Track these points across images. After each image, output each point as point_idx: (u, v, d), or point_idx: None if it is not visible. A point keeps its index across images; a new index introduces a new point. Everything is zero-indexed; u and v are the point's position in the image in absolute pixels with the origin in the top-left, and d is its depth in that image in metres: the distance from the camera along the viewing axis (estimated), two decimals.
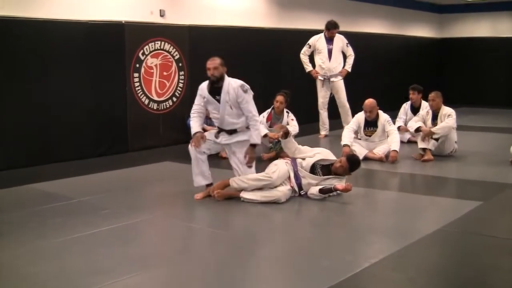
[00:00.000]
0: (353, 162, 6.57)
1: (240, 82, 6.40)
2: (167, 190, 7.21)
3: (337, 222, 5.77)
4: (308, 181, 6.38)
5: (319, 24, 12.15)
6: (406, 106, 10.32)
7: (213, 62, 6.33)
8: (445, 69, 18.27)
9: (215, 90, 6.40)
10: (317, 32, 11.21)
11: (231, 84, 6.37)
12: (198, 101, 6.57)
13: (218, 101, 6.38)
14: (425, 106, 10.03)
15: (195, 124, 6.50)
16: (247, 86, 6.41)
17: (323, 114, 11.13)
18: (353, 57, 11.04)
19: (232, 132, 6.51)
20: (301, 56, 11.07)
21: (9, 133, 8.13)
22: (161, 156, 9.06)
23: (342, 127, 10.85)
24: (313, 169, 6.45)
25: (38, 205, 6.23)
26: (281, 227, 5.54)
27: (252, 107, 6.42)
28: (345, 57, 11.11)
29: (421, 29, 17.84)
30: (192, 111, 6.57)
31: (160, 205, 6.59)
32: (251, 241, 5.18)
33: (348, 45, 11.04)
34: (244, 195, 6.22)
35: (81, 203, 6.36)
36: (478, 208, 6.03)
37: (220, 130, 6.55)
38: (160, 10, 10.00)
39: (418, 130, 8.78)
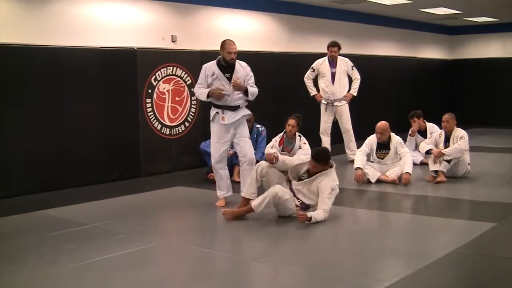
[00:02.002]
0: (317, 155, 6.59)
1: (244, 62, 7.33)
2: (180, 215, 7.23)
3: (350, 244, 5.74)
4: (299, 189, 6.50)
5: None
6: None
7: (235, 47, 7.13)
8: (457, 90, 18.25)
9: (225, 68, 7.12)
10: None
11: (240, 63, 7.21)
12: (202, 80, 7.24)
13: (228, 78, 7.08)
14: (430, 126, 10.05)
15: (204, 90, 7.18)
16: None
17: (325, 140, 10.74)
18: (359, 81, 10.69)
19: (236, 108, 7.19)
20: (305, 80, 10.81)
21: (22, 158, 8.19)
22: (174, 181, 9.08)
23: (343, 153, 10.84)
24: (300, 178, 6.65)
25: (51, 231, 6.25)
26: (293, 251, 5.52)
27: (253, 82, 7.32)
28: (351, 80, 10.81)
29: (432, 51, 17.87)
30: (197, 87, 7.32)
31: (173, 229, 6.60)
32: (264, 266, 5.16)
33: (354, 68, 10.71)
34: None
35: (94, 228, 6.38)
36: (492, 230, 5.98)
37: (225, 108, 7.16)
38: (171, 36, 10.10)
39: (428, 152, 8.74)
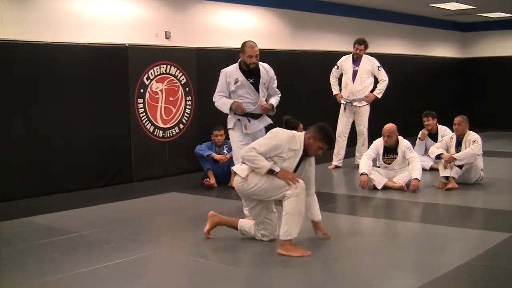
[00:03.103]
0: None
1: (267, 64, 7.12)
2: (174, 223, 7.24)
3: (355, 256, 5.75)
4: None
5: (336, 45, 12.28)
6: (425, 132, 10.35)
7: (256, 50, 6.86)
8: (469, 90, 18.26)
9: (248, 73, 6.92)
10: (333, 53, 11.17)
11: (264, 66, 7.01)
12: (222, 88, 6.98)
13: (253, 84, 6.90)
14: (442, 130, 10.07)
15: (226, 100, 6.93)
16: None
17: (341, 143, 10.67)
18: (385, 82, 10.65)
19: (259, 116, 7.04)
20: (330, 78, 10.80)
21: (7, 162, 8.21)
22: (167, 187, 9.09)
23: (354, 156, 10.84)
24: None
25: (37, 239, 6.25)
26: (294, 262, 5.53)
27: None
28: (376, 81, 10.77)
29: (443, 49, 17.90)
30: (216, 96, 7.05)
31: (166, 238, 6.61)
32: (261, 277, 5.17)
33: (380, 68, 10.67)
34: None
35: (83, 236, 6.38)
36: (507, 241, 5.98)
37: (248, 116, 6.96)
38: (165, 32, 10.12)
39: (439, 157, 8.73)
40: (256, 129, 7.02)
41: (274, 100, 7.12)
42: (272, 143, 5.60)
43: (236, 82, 6.88)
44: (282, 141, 5.62)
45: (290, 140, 5.66)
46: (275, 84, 7.19)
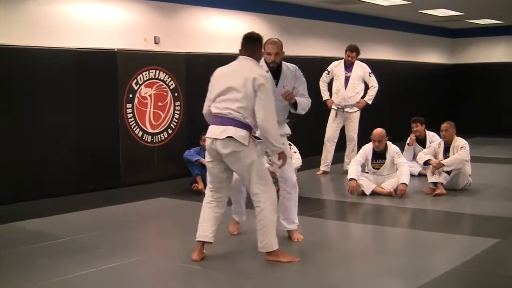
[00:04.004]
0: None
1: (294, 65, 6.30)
2: (162, 228, 7.22)
3: (343, 262, 5.75)
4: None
5: (325, 51, 12.28)
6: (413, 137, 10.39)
7: (275, 46, 6.09)
8: (458, 96, 18.33)
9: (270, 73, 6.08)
10: (322, 58, 11.16)
11: (288, 66, 6.25)
12: None
13: (276, 85, 6.10)
14: (430, 135, 10.12)
15: None
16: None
17: (329, 148, 10.71)
18: (376, 88, 10.69)
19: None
20: (320, 83, 10.77)
21: None
22: (156, 192, 9.07)
23: (342, 161, 10.86)
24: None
25: (23, 244, 6.22)
26: (285, 269, 5.53)
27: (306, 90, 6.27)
28: (367, 87, 10.80)
29: (431, 55, 17.97)
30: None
31: (154, 244, 6.59)
32: (250, 283, 5.17)
33: (372, 74, 10.72)
34: None
35: (70, 242, 6.35)
36: (495, 247, 6.01)
37: None
38: (154, 37, 10.10)
39: (427, 163, 8.78)
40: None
41: (300, 99, 6.17)
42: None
43: None
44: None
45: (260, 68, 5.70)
46: (303, 87, 6.27)
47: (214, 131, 5.48)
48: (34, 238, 6.47)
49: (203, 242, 5.66)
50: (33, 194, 8.46)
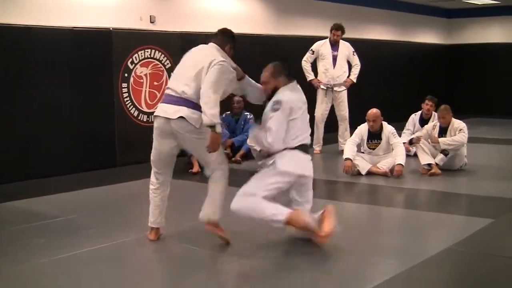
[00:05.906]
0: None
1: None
2: None
3: (338, 241, 5.75)
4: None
5: (320, 30, 12.22)
6: (415, 117, 10.33)
7: (263, 75, 5.94)
8: (454, 77, 18.28)
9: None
10: (318, 38, 11.10)
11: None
12: None
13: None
14: (436, 117, 10.04)
15: None
16: (277, 104, 5.70)
17: (321, 129, 10.72)
18: (359, 67, 10.72)
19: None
20: (303, 63, 10.72)
21: None
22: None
23: (336, 142, 10.85)
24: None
25: (18, 224, 6.22)
26: (279, 249, 5.53)
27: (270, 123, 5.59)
28: (350, 66, 10.85)
29: (428, 35, 17.90)
30: None
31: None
32: (246, 262, 5.17)
33: (355, 53, 10.75)
34: None
35: (65, 221, 6.35)
36: (490, 226, 6.03)
37: None
38: (150, 16, 10.04)
39: (411, 142, 8.82)
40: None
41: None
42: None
43: None
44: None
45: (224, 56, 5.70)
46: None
47: (167, 110, 5.47)
48: (27, 218, 6.46)
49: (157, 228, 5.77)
50: (28, 174, 8.44)
